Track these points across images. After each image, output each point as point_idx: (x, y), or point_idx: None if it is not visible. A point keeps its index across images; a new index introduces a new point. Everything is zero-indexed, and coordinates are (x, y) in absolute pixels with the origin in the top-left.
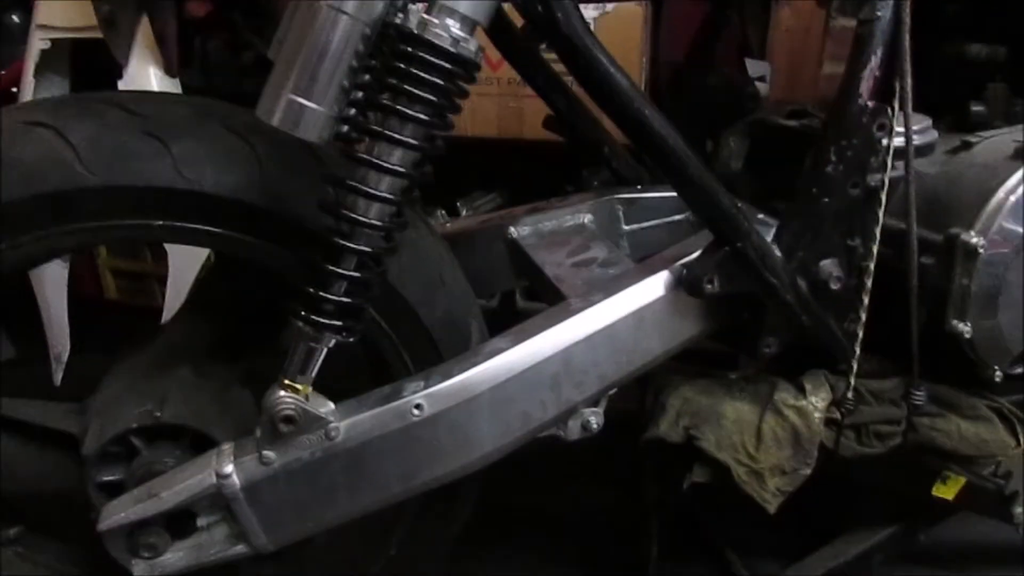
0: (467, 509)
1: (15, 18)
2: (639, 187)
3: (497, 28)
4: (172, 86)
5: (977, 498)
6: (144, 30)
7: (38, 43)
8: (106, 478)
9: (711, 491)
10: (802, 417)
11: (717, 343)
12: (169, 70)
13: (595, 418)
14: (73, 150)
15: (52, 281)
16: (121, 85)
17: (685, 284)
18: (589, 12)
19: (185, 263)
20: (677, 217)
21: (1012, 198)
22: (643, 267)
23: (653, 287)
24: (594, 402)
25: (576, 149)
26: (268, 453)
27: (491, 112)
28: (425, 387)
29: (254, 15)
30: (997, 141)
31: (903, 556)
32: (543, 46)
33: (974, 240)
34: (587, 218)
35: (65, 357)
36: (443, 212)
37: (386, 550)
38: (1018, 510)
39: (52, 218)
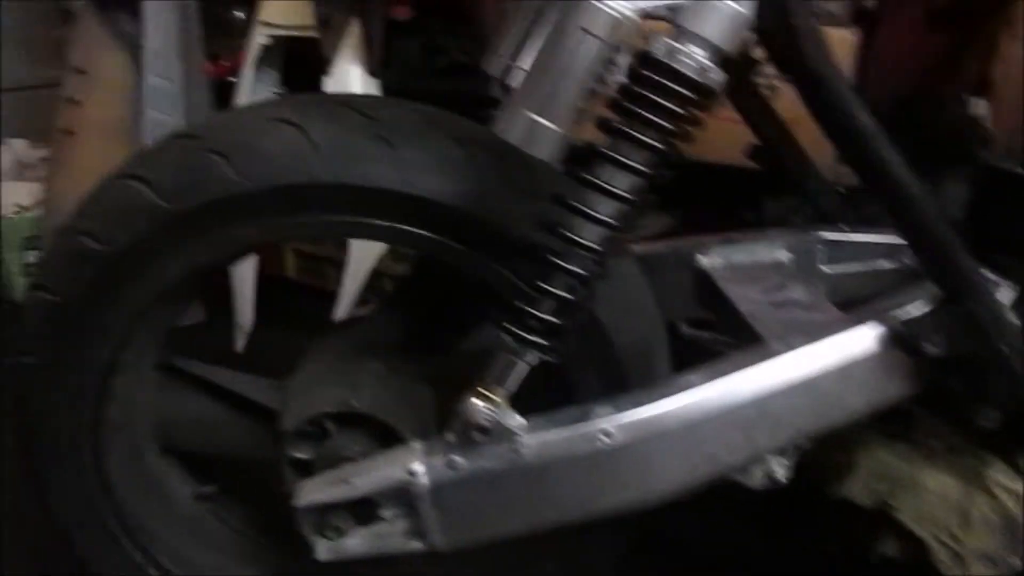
0: (629, 537)
1: (238, 14)
2: (844, 228)
3: None
4: (373, 85)
5: None
6: (353, 31)
7: (259, 39)
8: (297, 455)
9: (904, 568)
10: (1016, 502)
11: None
12: (371, 70)
13: (781, 469)
14: (314, 147)
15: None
16: (327, 81)
17: (902, 341)
18: None
19: (363, 255)
20: (884, 264)
21: None
22: (852, 316)
23: (864, 340)
24: (782, 451)
25: (776, 179)
26: (457, 458)
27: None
28: (615, 414)
29: (451, 21)
30: None
31: None
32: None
33: None
34: (785, 255)
35: (248, 327)
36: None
37: (543, 565)
38: None
39: (287, 209)
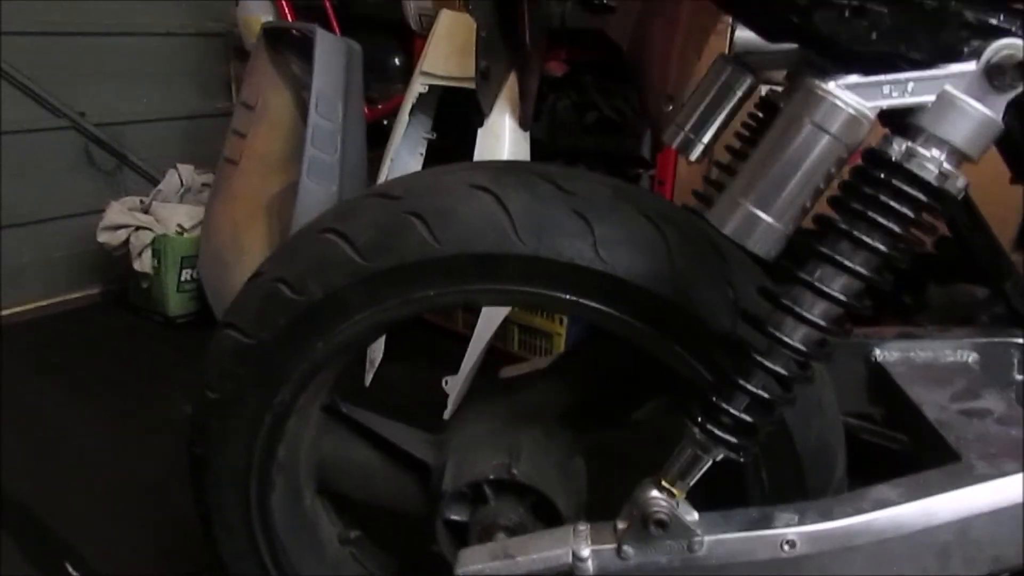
0: None
1: (396, 61)
2: None
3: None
4: (523, 139)
5: None
6: (510, 85)
7: (418, 86)
8: (452, 516)
9: None
10: None
11: None
12: (523, 124)
13: None
14: (509, 218)
15: None
16: (480, 133)
17: None
18: None
19: (494, 312)
20: None
21: None
22: None
23: None
24: None
25: (969, 274)
26: (628, 549)
27: None
28: (800, 523)
29: (603, 78)
30: None
31: None
32: None
33: None
34: (972, 357)
35: (377, 363)
36: None
37: None
38: None
39: (479, 276)
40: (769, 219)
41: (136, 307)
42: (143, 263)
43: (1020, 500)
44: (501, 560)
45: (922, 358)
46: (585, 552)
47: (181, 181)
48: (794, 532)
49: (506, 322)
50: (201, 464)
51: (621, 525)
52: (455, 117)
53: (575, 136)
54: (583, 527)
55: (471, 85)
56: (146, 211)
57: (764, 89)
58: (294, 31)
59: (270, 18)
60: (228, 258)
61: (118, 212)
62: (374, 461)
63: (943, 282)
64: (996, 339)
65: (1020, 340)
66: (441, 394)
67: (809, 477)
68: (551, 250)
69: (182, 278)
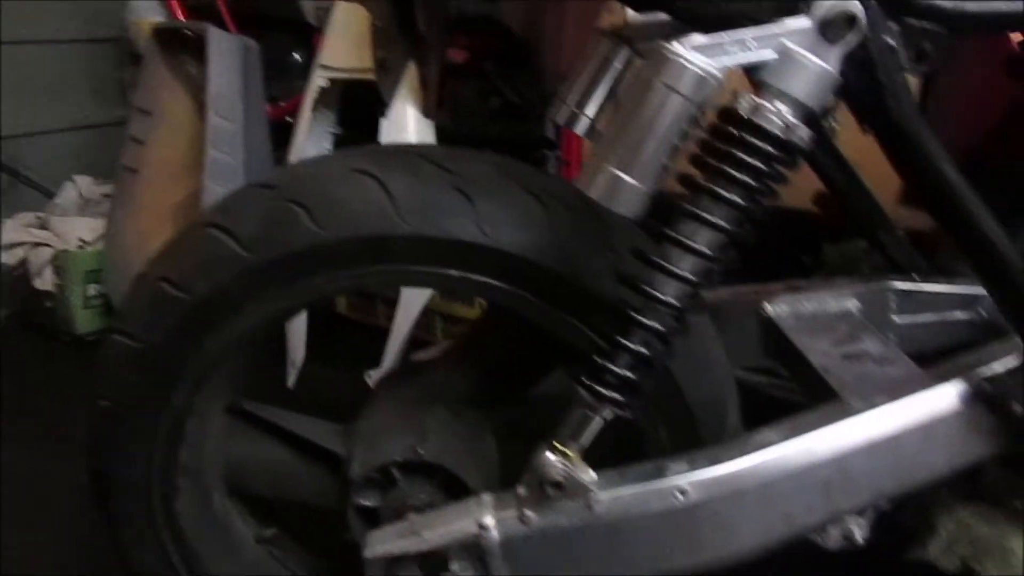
0: None
1: (297, 57)
2: (915, 277)
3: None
4: (427, 127)
5: None
6: (410, 74)
7: (319, 81)
8: (363, 502)
9: None
10: None
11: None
12: (427, 112)
13: (860, 530)
14: (391, 199)
15: None
16: (384, 123)
17: (988, 400)
18: None
19: (412, 302)
20: (958, 315)
21: None
22: (934, 373)
23: (946, 397)
24: (861, 512)
25: (848, 227)
26: (529, 513)
27: None
28: (691, 471)
29: (506, 64)
30: None
31: None
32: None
33: None
34: (854, 305)
35: (300, 364)
36: None
37: None
38: None
39: (366, 260)
40: (631, 180)
41: (42, 328)
42: (44, 281)
43: (893, 432)
44: (408, 538)
45: (808, 309)
46: (488, 521)
47: (80, 193)
48: (685, 481)
49: (428, 312)
50: (101, 476)
51: (521, 491)
52: (359, 110)
53: (480, 122)
54: (487, 497)
55: (372, 77)
56: (44, 227)
57: None
58: (186, 31)
59: (161, 19)
60: (136, 270)
61: (13, 230)
62: (284, 457)
63: (836, 240)
64: (874, 286)
65: (896, 285)
66: (367, 389)
67: (702, 429)
68: (435, 228)
69: (88, 294)
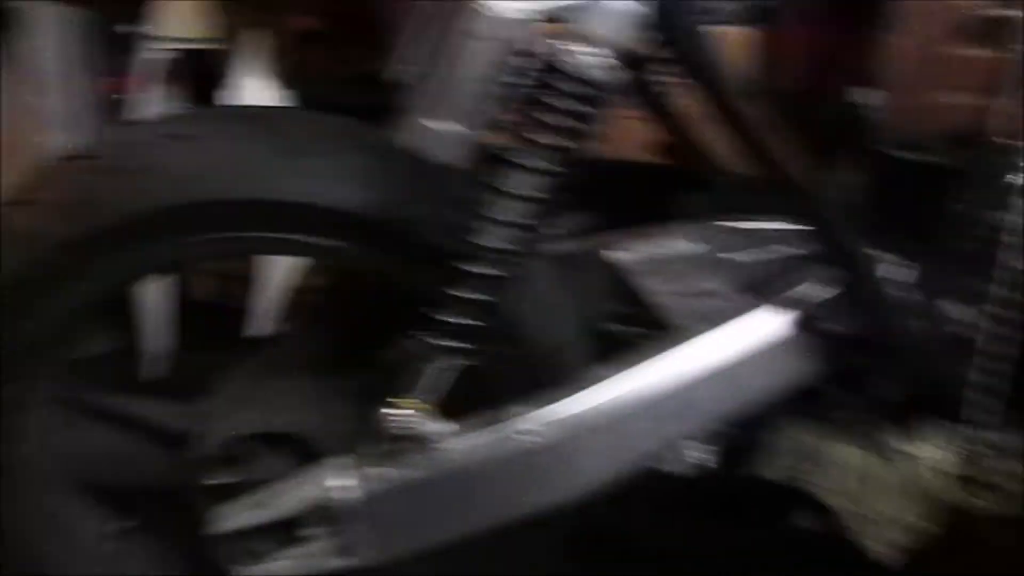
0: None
1: (136, 28)
2: (746, 217)
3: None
4: (276, 97)
5: None
6: (254, 43)
7: (155, 52)
8: (215, 481)
9: (820, 536)
10: (915, 467)
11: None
12: (275, 82)
13: (700, 453)
14: (214, 163)
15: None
16: (229, 94)
17: (802, 323)
18: None
19: (275, 271)
20: (786, 250)
21: None
22: (755, 302)
23: (767, 324)
24: (699, 436)
25: (681, 174)
26: (378, 470)
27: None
28: (538, 412)
29: (358, 30)
30: None
31: None
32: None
33: None
34: (691, 246)
35: (163, 352)
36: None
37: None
38: None
39: (190, 229)
40: (450, 127)
41: None
42: None
43: (724, 358)
44: (256, 510)
45: (650, 253)
46: (339, 482)
47: None
48: (529, 421)
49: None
50: None
51: (370, 449)
52: (203, 81)
53: (333, 89)
54: (337, 460)
55: (213, 46)
56: None
57: None
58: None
59: None
60: None
61: None
62: (129, 444)
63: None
64: (708, 228)
65: (727, 225)
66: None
67: (552, 374)
68: (262, 191)
69: None
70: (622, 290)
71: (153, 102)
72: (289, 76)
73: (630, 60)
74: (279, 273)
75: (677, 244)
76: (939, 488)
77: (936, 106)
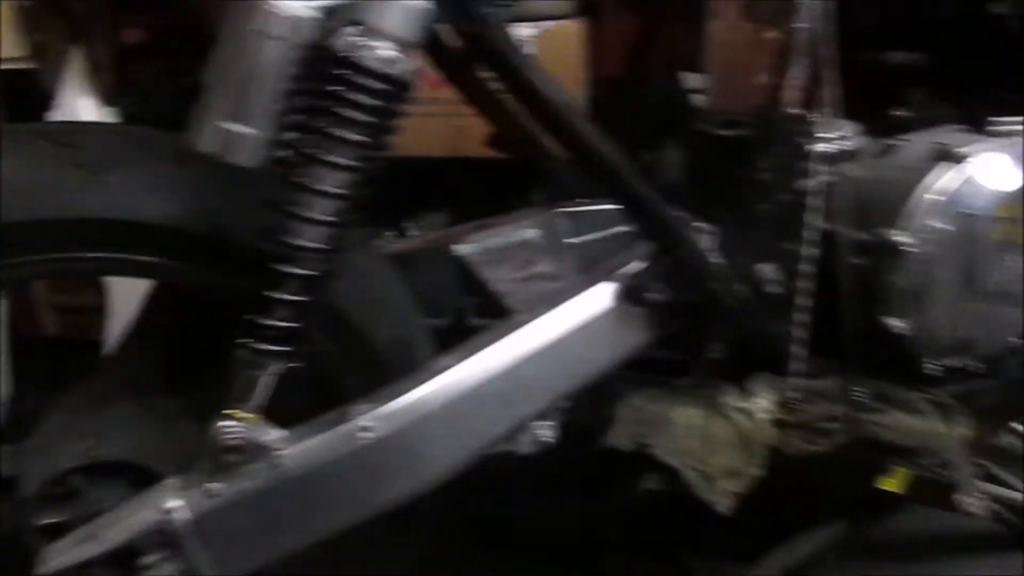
0: (424, 529)
1: None
2: (583, 200)
3: (433, 48)
4: (107, 115)
5: (922, 489)
6: (78, 59)
7: None
8: (47, 521)
9: (667, 497)
10: (748, 419)
11: (669, 350)
12: (104, 99)
13: (547, 431)
14: (7, 184)
15: None
16: (55, 115)
17: (628, 294)
18: (527, 30)
19: (126, 296)
20: (623, 228)
21: (933, 197)
22: (587, 279)
23: (597, 298)
24: (545, 414)
25: (520, 165)
26: (214, 485)
27: (437, 131)
28: (373, 409)
29: (190, 40)
30: (919, 144)
31: (856, 551)
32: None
33: (901, 238)
34: (532, 233)
35: (4, 398)
36: (391, 234)
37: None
38: (960, 498)
39: None
40: (245, 129)
41: None
42: None
43: (556, 336)
44: (87, 543)
45: (493, 243)
46: (173, 503)
47: None
48: (368, 418)
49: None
50: None
51: (204, 465)
52: (28, 101)
53: (170, 104)
54: (171, 481)
55: (31, 64)
56: None
57: None
58: None
59: None
60: None
61: None
62: None
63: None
64: (548, 213)
65: (566, 209)
66: None
67: (392, 370)
68: (56, 209)
69: None
70: (468, 282)
71: None
72: (114, 92)
73: (439, 53)
74: (133, 298)
75: (518, 232)
76: (770, 437)
77: (747, 85)
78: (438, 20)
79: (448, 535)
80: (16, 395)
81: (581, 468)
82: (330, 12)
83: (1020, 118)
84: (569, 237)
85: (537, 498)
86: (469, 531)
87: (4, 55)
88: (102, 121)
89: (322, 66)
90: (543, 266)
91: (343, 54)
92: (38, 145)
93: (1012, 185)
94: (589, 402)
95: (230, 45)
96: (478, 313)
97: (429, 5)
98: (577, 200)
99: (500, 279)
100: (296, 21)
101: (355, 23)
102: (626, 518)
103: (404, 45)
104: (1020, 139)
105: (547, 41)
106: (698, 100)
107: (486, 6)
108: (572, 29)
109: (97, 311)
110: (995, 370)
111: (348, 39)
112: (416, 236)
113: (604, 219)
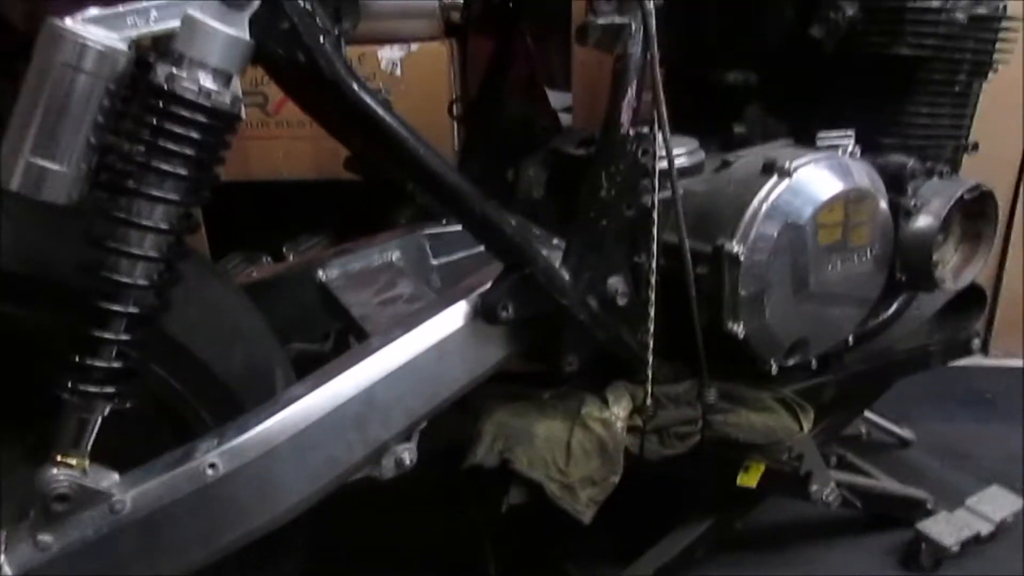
0: (298, 558)
1: None
2: (444, 221)
3: (273, 74)
4: None
5: (778, 482)
6: None
7: None
8: None
9: (539, 507)
10: (607, 428)
11: (531, 364)
12: None
13: (408, 454)
14: None
15: None
16: None
17: (481, 312)
18: (395, 52)
19: None
20: (473, 248)
21: (764, 207)
22: (441, 299)
23: (452, 318)
24: (405, 437)
25: (379, 188)
26: (44, 537)
27: (307, 154)
28: (219, 444)
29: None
30: (752, 158)
31: (724, 546)
32: None
33: (736, 248)
34: (395, 255)
35: None
36: (268, 257)
37: None
38: (814, 488)
39: None
40: (55, 166)
41: None
42: None
43: (409, 358)
44: None
45: (356, 267)
46: (3, 556)
47: None
48: (214, 454)
49: None
50: None
51: (32, 516)
52: None
53: None
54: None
55: None
56: None
57: None
58: None
59: None
60: None
61: None
62: None
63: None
64: (411, 235)
65: (428, 230)
66: None
67: (245, 402)
68: None
69: None
70: (330, 306)
71: None
72: None
73: (279, 79)
74: None
75: (381, 254)
76: (628, 443)
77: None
78: (267, 53)
79: (323, 561)
80: None
81: (444, 484)
82: (141, 43)
83: (844, 132)
84: (431, 258)
85: (408, 517)
86: (342, 555)
87: None
88: None
89: (140, 97)
90: (404, 288)
91: (160, 85)
92: None
93: (832, 192)
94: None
95: (37, 76)
96: (339, 337)
97: (246, 37)
98: (444, 220)
99: (360, 303)
100: (107, 54)
101: (172, 54)
102: (500, 529)
103: (221, 76)
104: (840, 150)
105: (414, 63)
106: (569, 118)
107: (312, 37)
108: (439, 50)
109: None
110: (833, 365)
111: (163, 70)
112: (278, 263)
113: (468, 239)
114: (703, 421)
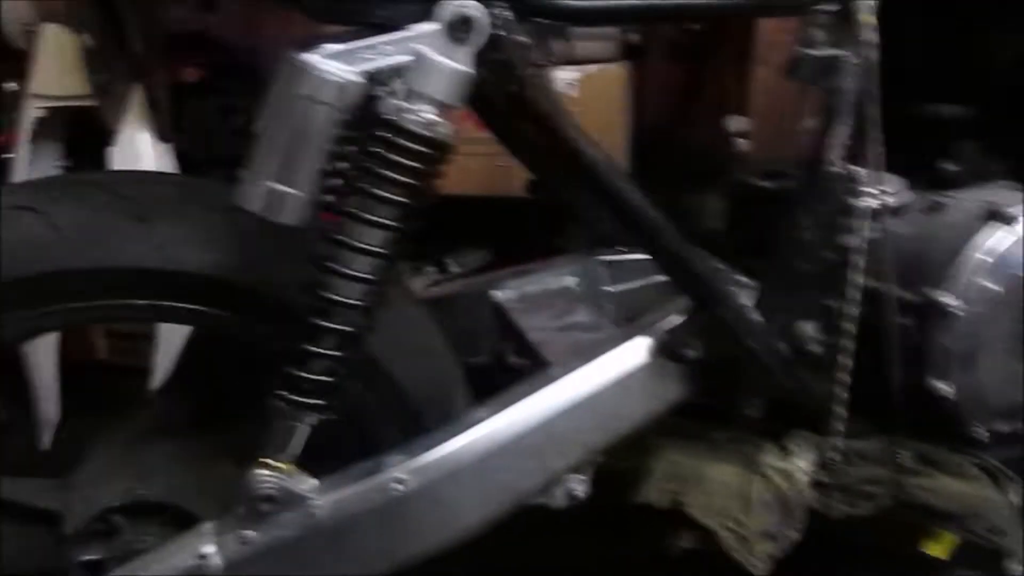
0: None
1: (9, 86)
2: (623, 248)
3: (473, 101)
4: (164, 152)
5: (970, 556)
6: (137, 97)
7: (32, 111)
8: (87, 557)
9: (701, 556)
10: (788, 480)
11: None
12: (162, 136)
13: (580, 485)
14: (59, 233)
15: (40, 345)
16: (114, 151)
17: (666, 350)
18: (571, 74)
19: (173, 328)
20: (662, 278)
21: (983, 257)
22: (624, 332)
23: (634, 353)
24: (579, 469)
25: (542, 209)
26: (248, 532)
27: (479, 171)
28: (407, 460)
29: (246, 79)
30: (967, 200)
31: None
32: None
33: (948, 300)
34: (572, 280)
35: (55, 420)
36: (433, 269)
37: None
38: (1014, 567)
39: (37, 300)
40: (291, 191)
41: None
42: None
43: (590, 390)
44: None
45: (532, 290)
46: (208, 549)
47: None
48: (403, 470)
49: (91, 332)
50: None
51: (238, 512)
52: (88, 139)
53: (222, 141)
54: (207, 526)
55: (93, 103)
56: None
57: None
58: None
59: None
60: None
61: None
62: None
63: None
64: (589, 261)
65: (607, 257)
66: None
67: (428, 419)
68: (111, 259)
69: None
70: (505, 327)
71: (31, 160)
72: (171, 129)
73: (478, 106)
74: (178, 335)
75: (557, 279)
76: (809, 498)
77: (791, 133)
78: (479, 83)
79: None
80: (63, 419)
81: (612, 521)
82: (373, 76)
83: None
84: (608, 286)
85: (566, 551)
86: None
87: (68, 93)
88: (160, 172)
89: (366, 127)
90: (580, 315)
91: (386, 117)
92: (96, 197)
93: None
94: (626, 455)
95: (278, 107)
96: (516, 360)
97: (470, 70)
98: (617, 248)
99: (537, 327)
100: (343, 86)
101: (398, 87)
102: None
103: (444, 108)
104: None
105: (590, 85)
106: (740, 146)
107: (526, 67)
108: (616, 73)
109: (147, 338)
110: None
111: (391, 102)
112: (454, 278)
113: (643, 268)
114: (893, 482)
